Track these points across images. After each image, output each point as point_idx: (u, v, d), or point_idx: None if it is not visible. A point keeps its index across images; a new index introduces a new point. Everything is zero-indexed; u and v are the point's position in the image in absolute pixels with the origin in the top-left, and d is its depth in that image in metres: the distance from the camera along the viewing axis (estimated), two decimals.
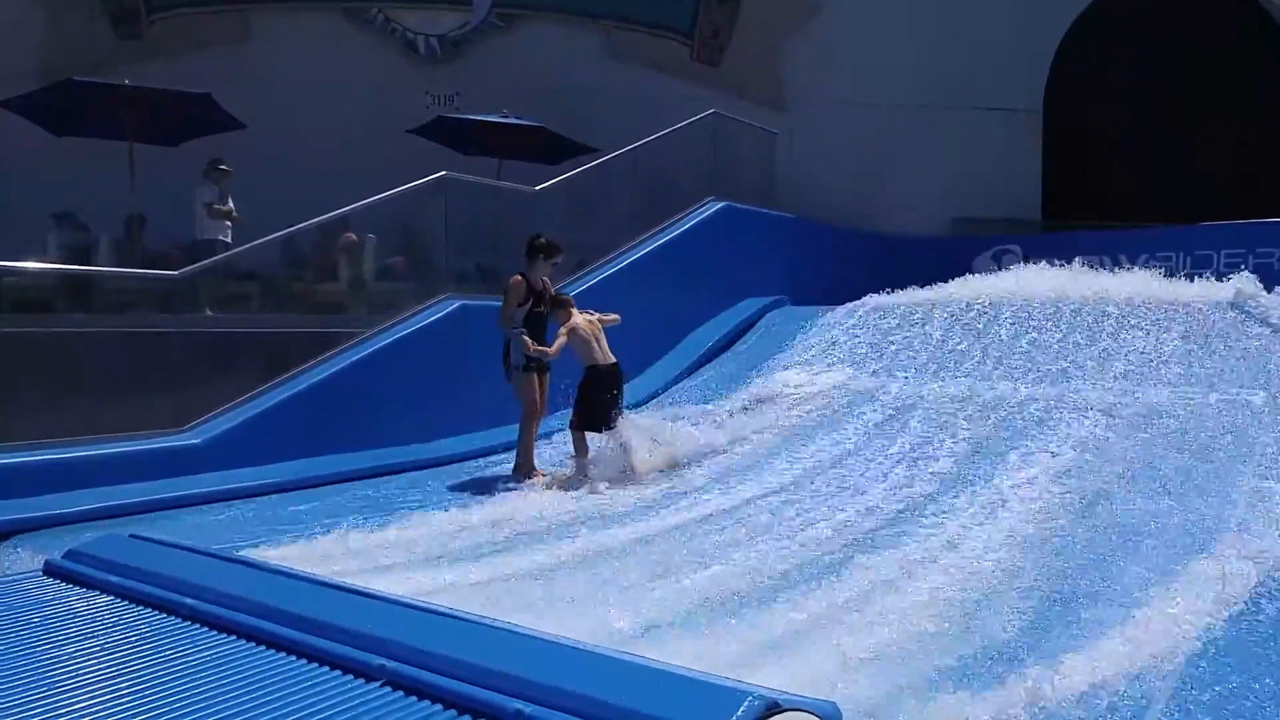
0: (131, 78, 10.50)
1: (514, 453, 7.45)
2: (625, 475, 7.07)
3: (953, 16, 15.59)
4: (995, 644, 3.79)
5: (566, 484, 7.01)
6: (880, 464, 7.11)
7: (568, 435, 7.47)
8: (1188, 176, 18.31)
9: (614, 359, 7.43)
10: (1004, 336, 9.61)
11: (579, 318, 7.34)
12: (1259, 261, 12.26)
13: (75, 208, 10.79)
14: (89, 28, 13.70)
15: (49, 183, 10.92)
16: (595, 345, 7.37)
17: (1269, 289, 9.19)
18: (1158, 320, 9.10)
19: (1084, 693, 3.27)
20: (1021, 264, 12.41)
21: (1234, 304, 8.95)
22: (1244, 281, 9.17)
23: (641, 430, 7.35)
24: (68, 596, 3.07)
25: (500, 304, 7.25)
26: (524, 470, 7.25)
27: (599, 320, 7.48)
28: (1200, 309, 9.02)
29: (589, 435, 7.31)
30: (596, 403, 7.21)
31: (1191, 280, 10.09)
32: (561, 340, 7.25)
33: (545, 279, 7.37)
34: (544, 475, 7.24)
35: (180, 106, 10.68)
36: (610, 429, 7.22)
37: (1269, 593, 4.24)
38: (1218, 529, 5.19)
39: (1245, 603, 4.11)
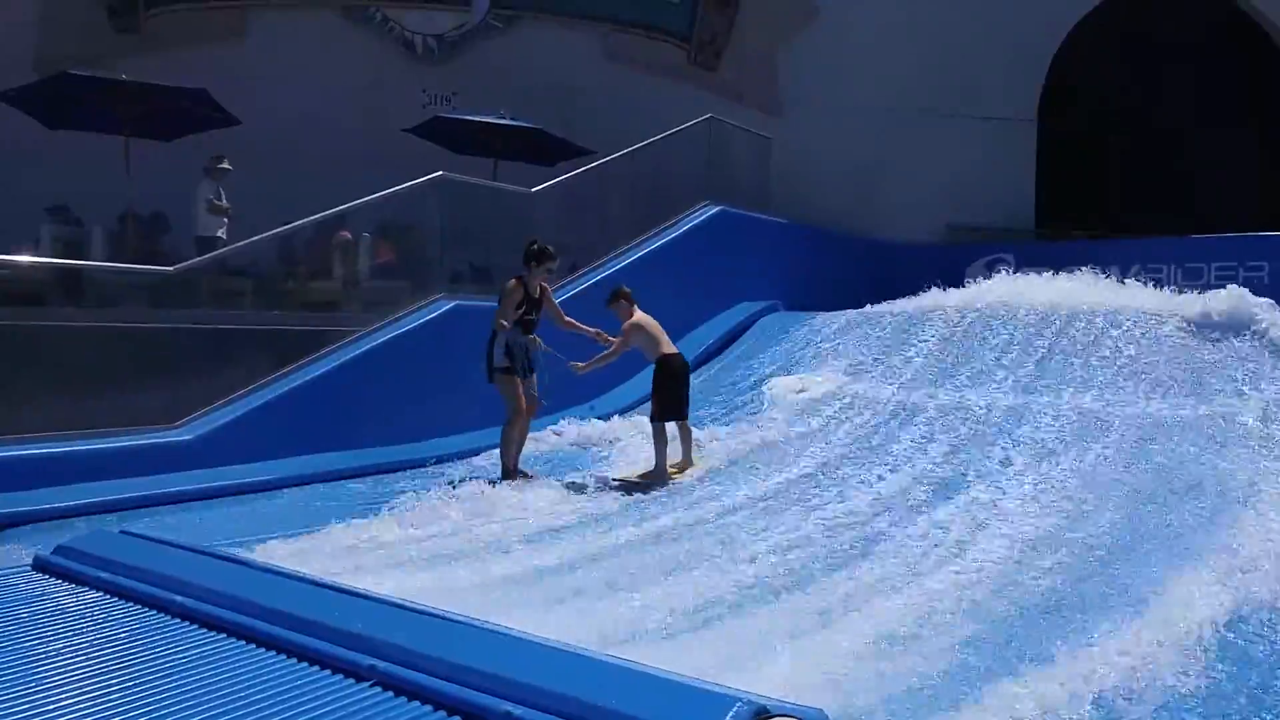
0: (127, 72, 10.46)
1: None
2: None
3: (949, 24, 15.65)
4: (983, 652, 3.81)
5: (631, 479, 7.10)
6: (871, 471, 7.12)
7: (548, 433, 7.51)
8: (1180, 188, 18.42)
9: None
10: (995, 345, 9.63)
11: (642, 316, 7.49)
12: (1249, 275, 12.31)
13: (69, 201, 10.76)
14: (85, 20, 13.64)
15: (43, 176, 10.87)
16: (661, 338, 7.51)
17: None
18: (1147, 331, 9.16)
19: (1075, 700, 3.29)
20: (1011, 272, 12.49)
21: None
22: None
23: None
24: (57, 592, 3.07)
25: (497, 306, 7.23)
26: (508, 472, 7.19)
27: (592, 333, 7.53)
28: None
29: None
30: (674, 393, 7.32)
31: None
32: (626, 339, 7.37)
33: (543, 285, 7.36)
34: (530, 477, 7.21)
35: (176, 101, 10.64)
36: (685, 418, 7.39)
37: (1258, 603, 4.28)
38: (1207, 539, 5.23)
39: (1234, 611, 4.16)
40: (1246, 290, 9.22)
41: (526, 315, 7.19)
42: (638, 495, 6.79)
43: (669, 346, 7.50)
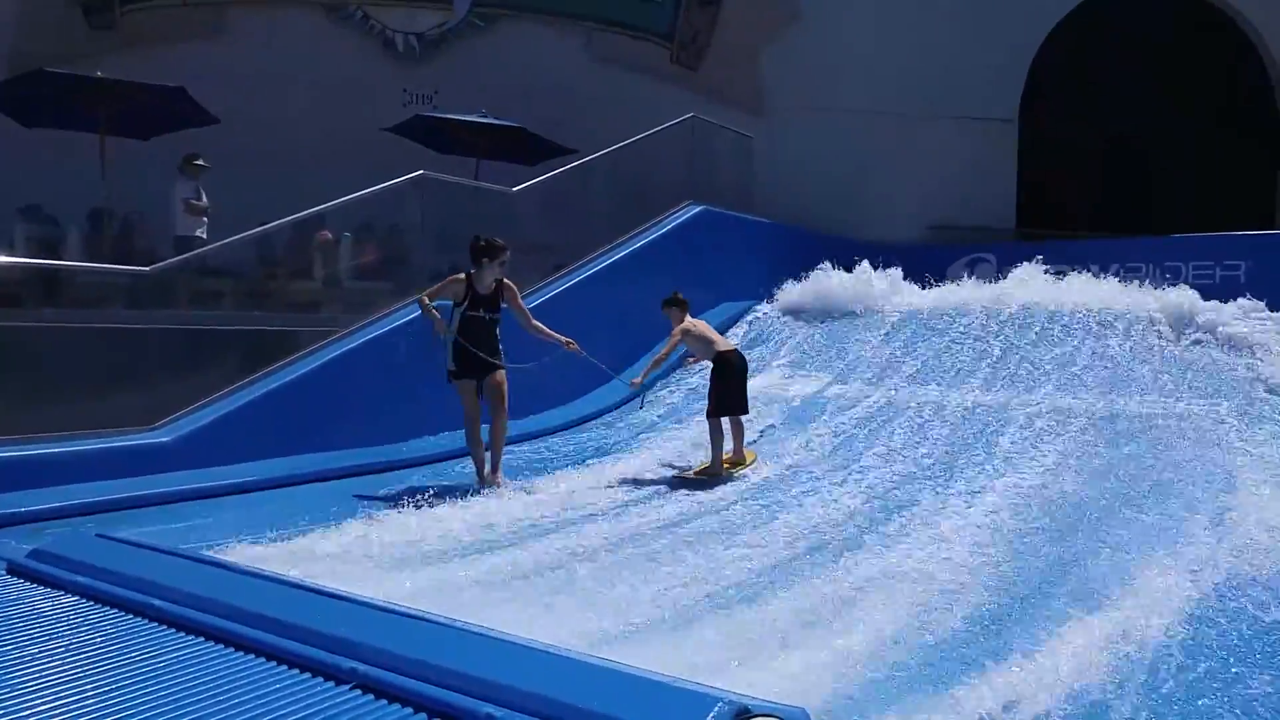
0: (104, 69, 10.36)
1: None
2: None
3: (931, 26, 15.72)
4: (964, 644, 3.84)
5: (670, 475, 7.16)
6: (853, 470, 7.16)
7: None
8: (1160, 187, 18.59)
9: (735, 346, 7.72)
10: (979, 345, 9.70)
11: (692, 321, 7.55)
12: (1225, 274, 12.45)
13: (44, 201, 10.65)
14: (61, 17, 13.51)
15: (17, 175, 10.75)
16: (714, 338, 7.60)
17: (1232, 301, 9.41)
18: (1122, 328, 9.27)
19: (1055, 689, 3.32)
20: (997, 273, 12.59)
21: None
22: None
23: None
24: (32, 596, 3.03)
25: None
26: (480, 477, 6.97)
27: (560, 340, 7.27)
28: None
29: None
30: (734, 389, 7.34)
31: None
32: (674, 341, 7.40)
33: (506, 282, 7.01)
34: (495, 484, 6.85)
35: (153, 99, 10.55)
36: (746, 414, 7.45)
37: (1233, 591, 4.33)
38: (1182, 529, 5.30)
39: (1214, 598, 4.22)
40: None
41: (470, 312, 6.88)
42: (619, 495, 6.79)
43: (725, 344, 7.63)
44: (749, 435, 7.71)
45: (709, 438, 7.26)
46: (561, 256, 10.35)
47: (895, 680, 3.50)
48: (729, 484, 6.99)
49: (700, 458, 7.51)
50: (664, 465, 7.49)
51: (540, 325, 7.20)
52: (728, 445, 7.36)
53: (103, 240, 10.27)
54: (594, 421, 9.17)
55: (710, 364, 7.50)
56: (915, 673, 3.57)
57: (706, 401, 7.41)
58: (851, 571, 4.89)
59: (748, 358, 8.10)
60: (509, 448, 7.44)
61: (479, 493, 6.70)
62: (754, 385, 9.56)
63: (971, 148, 15.96)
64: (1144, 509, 5.85)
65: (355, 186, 8.47)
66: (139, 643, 2.57)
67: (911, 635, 3.96)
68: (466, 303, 6.87)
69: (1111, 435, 7.34)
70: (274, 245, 9.10)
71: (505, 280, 7.02)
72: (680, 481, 7.06)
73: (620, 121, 11.85)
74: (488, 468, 7.05)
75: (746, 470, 7.27)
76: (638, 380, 7.60)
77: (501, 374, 7.01)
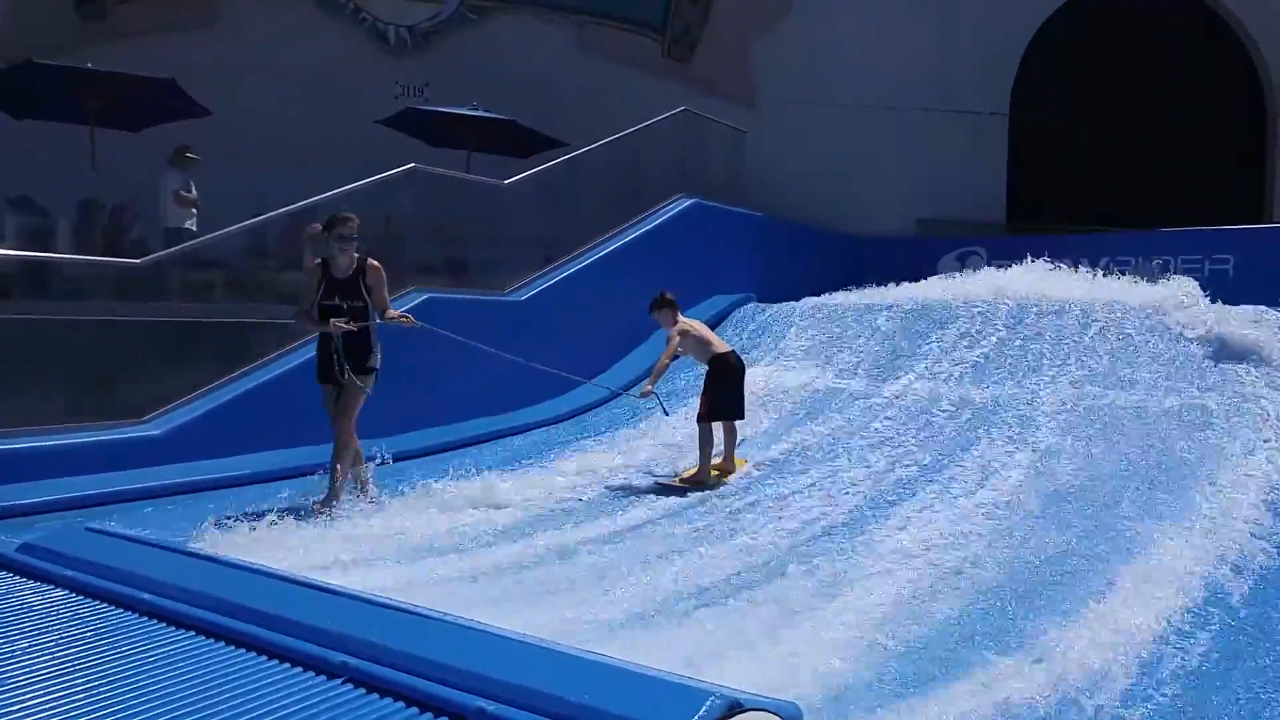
0: (95, 61, 10.31)
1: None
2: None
3: (921, 19, 15.74)
4: (955, 641, 3.85)
5: (666, 479, 6.90)
6: (848, 464, 7.17)
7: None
8: (1150, 182, 18.62)
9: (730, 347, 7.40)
10: (970, 338, 9.72)
11: (688, 321, 7.25)
12: (1214, 268, 12.53)
13: (34, 192, 10.58)
14: (51, 8, 13.41)
15: (7, 167, 10.69)
16: (711, 339, 7.30)
17: (1222, 295, 9.44)
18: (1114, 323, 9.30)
19: (1047, 683, 3.33)
20: (986, 266, 12.61)
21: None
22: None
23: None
24: (21, 590, 3.01)
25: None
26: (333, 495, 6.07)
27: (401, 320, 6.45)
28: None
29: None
30: (731, 392, 7.04)
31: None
32: (674, 344, 7.09)
33: (373, 263, 6.04)
34: (321, 512, 5.93)
35: (144, 91, 10.51)
36: (742, 418, 7.14)
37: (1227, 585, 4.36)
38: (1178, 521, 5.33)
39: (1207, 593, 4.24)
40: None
41: (326, 301, 5.93)
42: (617, 491, 6.79)
43: (722, 346, 7.28)
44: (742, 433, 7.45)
45: (699, 443, 6.94)
46: (553, 249, 10.34)
47: (888, 674, 3.51)
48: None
49: (687, 463, 7.21)
50: (647, 472, 7.25)
51: (393, 312, 6.35)
52: (717, 450, 7.03)
53: (93, 232, 10.22)
54: (577, 419, 9.12)
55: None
56: (908, 667, 3.58)
57: (699, 405, 7.06)
58: (845, 565, 4.90)
59: (742, 351, 7.98)
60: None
61: (479, 479, 6.50)
62: (748, 378, 9.60)
63: (962, 142, 16.00)
64: (1140, 502, 5.87)
65: (347, 179, 8.44)
66: (129, 637, 2.55)
67: (905, 630, 3.97)
68: (321, 291, 5.96)
69: (1110, 429, 7.35)
70: (265, 238, 9.06)
71: (370, 261, 6.05)
72: (665, 489, 6.76)
73: (612, 115, 11.84)
74: (371, 480, 6.39)
75: (736, 478, 6.91)
76: (648, 388, 7.09)
77: (358, 387, 6.05)
